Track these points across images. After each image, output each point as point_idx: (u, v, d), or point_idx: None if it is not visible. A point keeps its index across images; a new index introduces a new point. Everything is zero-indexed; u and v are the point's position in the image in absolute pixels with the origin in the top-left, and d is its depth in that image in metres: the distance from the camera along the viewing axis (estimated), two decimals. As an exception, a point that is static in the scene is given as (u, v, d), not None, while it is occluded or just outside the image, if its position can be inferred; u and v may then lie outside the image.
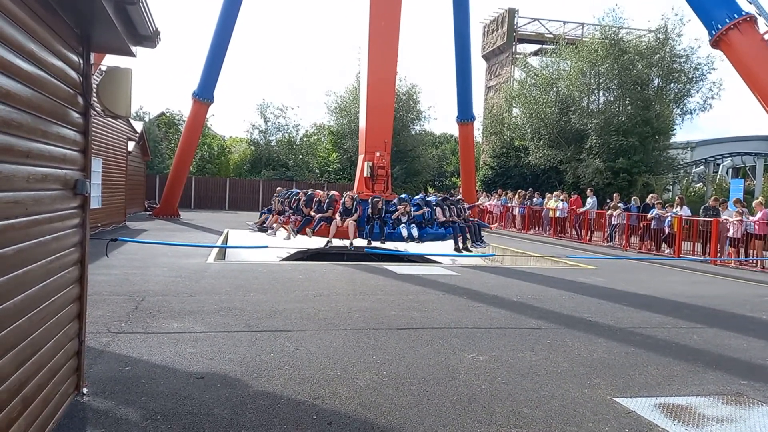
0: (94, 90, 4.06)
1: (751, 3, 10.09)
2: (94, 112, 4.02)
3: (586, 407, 4.26)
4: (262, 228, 16.70)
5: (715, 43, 10.64)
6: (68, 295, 3.77)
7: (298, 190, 17.31)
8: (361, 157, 16.15)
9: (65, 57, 3.53)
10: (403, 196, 17.14)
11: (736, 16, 10.03)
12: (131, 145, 21.71)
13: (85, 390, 4.07)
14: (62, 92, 3.48)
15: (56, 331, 3.56)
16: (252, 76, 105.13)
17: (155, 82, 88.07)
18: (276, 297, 7.84)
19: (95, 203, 14.72)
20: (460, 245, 14.33)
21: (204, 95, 22.23)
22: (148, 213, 25.49)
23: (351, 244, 13.90)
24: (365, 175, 15.29)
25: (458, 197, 16.84)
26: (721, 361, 5.57)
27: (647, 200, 17.59)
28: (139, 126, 25.29)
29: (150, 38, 4.22)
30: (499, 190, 27.77)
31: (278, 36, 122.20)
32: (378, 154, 15.17)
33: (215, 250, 12.57)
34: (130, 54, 4.25)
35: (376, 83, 15.35)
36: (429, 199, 16.49)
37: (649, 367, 5.30)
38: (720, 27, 10.18)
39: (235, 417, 3.81)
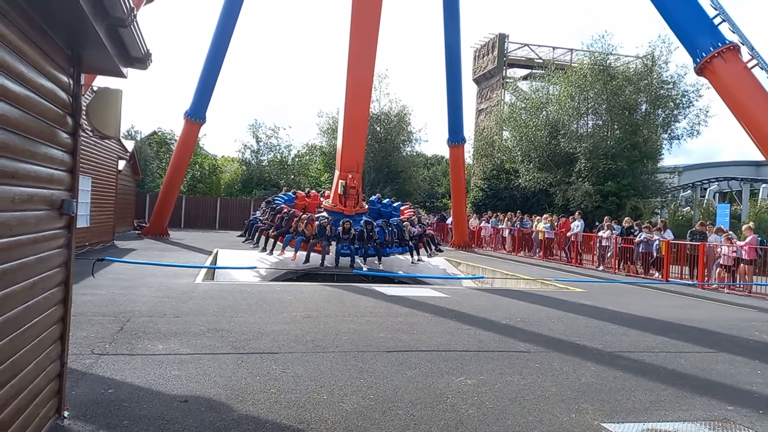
0: (84, 110, 4.07)
1: (734, 32, 10.34)
2: (84, 133, 4.02)
3: (574, 432, 4.23)
4: (250, 240, 17.38)
5: (699, 71, 10.86)
6: (51, 317, 3.72)
7: (280, 198, 18.20)
8: (336, 173, 17.84)
9: (55, 78, 3.55)
10: (372, 198, 19.54)
11: (720, 44, 10.27)
12: (122, 164, 21.65)
13: (66, 413, 4.00)
14: (51, 113, 3.49)
15: (38, 353, 3.50)
16: (245, 96, 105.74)
17: (147, 102, 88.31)
18: (264, 318, 7.77)
19: (84, 222, 14.62)
20: (415, 258, 16.87)
21: (196, 115, 22.30)
22: (137, 232, 25.30)
23: (322, 262, 15.41)
24: (339, 192, 16.85)
25: (421, 216, 18.91)
26: (708, 386, 5.58)
27: (623, 224, 17.87)
28: (130, 145, 25.28)
29: (141, 60, 4.25)
30: (489, 212, 27.91)
31: (272, 56, 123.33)
32: (350, 175, 16.73)
33: (203, 271, 12.48)
34: (121, 75, 4.27)
35: (352, 114, 16.99)
36: (395, 205, 19.40)
37: (637, 391, 5.30)
38: (704, 55, 10.41)
39: (219, 442, 3.74)
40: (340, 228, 15.51)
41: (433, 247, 17.61)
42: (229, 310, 8.22)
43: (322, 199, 19.03)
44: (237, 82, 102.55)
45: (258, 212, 19.12)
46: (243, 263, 15.66)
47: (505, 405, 4.75)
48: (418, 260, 16.87)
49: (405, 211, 18.60)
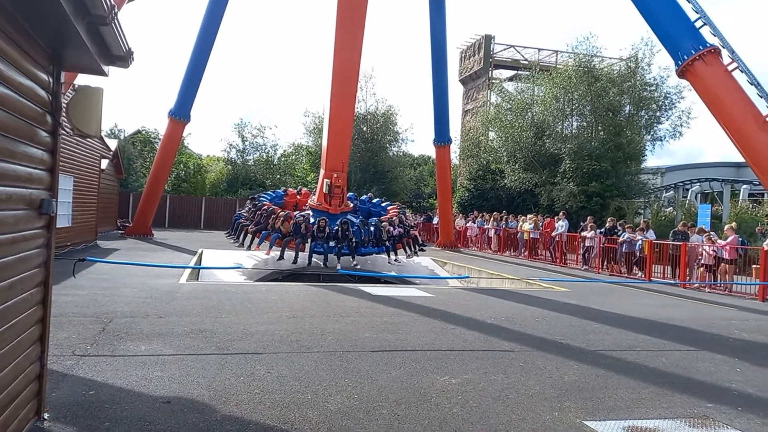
0: (64, 109, 4.02)
1: (715, 35, 10.49)
2: (63, 132, 3.97)
3: (556, 430, 4.27)
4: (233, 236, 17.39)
5: (681, 73, 11.00)
6: (30, 318, 3.67)
7: (265, 196, 18.19)
8: (322, 172, 17.87)
9: (34, 76, 3.50)
10: (363, 197, 19.74)
11: (701, 47, 10.42)
12: (105, 163, 21.40)
13: (46, 415, 3.94)
14: (30, 111, 3.44)
15: (17, 354, 3.46)
16: (230, 96, 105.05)
17: (131, 100, 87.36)
18: (248, 319, 7.73)
19: (65, 221, 14.42)
20: (392, 258, 16.73)
21: (180, 114, 22.10)
22: (120, 232, 25.02)
23: (295, 259, 15.48)
24: (324, 191, 16.84)
25: (406, 216, 18.94)
26: (689, 384, 5.66)
27: (606, 224, 18.04)
28: (113, 144, 24.99)
29: (123, 58, 4.20)
30: (476, 212, 28.04)
31: (258, 55, 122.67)
32: (335, 174, 16.77)
33: (188, 271, 12.38)
34: (103, 74, 4.23)
35: (336, 114, 17.03)
36: (383, 205, 19.41)
37: (619, 390, 5.36)
38: (686, 58, 10.56)
39: (201, 443, 3.72)
40: (315, 226, 15.57)
41: (415, 248, 17.59)
42: (213, 311, 8.17)
43: (298, 196, 19.13)
44: (222, 81, 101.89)
45: (243, 210, 19.12)
46: (228, 263, 15.58)
47: (489, 404, 4.78)
48: (396, 260, 16.86)
49: (390, 211, 18.65)
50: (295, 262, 15.52)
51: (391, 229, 16.71)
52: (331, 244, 15.34)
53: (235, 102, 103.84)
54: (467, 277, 15.68)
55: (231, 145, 38.60)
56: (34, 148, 3.53)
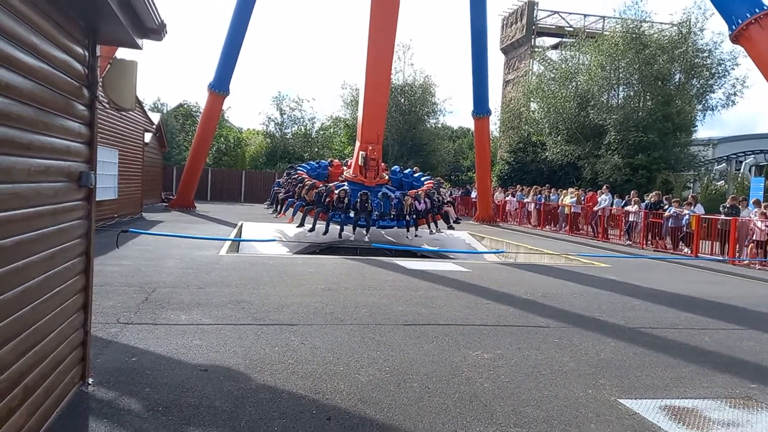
0: (100, 83, 4.09)
1: (774, -4, 9.81)
2: (100, 105, 4.04)
3: (589, 408, 4.21)
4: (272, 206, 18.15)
5: (735, 39, 10.34)
6: (73, 286, 3.81)
7: (303, 167, 18.31)
8: (357, 145, 17.76)
9: (69, 49, 3.55)
10: (394, 167, 19.57)
11: (757, 10, 9.73)
12: (148, 137, 21.94)
13: (90, 380, 4.13)
14: (66, 84, 3.51)
15: (60, 321, 3.60)
16: (270, 68, 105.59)
17: (173, 74, 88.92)
18: (284, 291, 7.87)
19: (111, 194, 14.92)
20: (411, 234, 16.46)
21: (220, 87, 22.33)
22: (164, 204, 25.77)
23: (312, 227, 15.57)
24: (360, 163, 16.73)
25: (440, 189, 18.41)
26: (732, 364, 5.46)
27: (650, 198, 17.31)
28: (156, 117, 25.54)
29: (156, 31, 4.24)
30: (517, 186, 27.53)
31: (296, 27, 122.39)
32: (371, 147, 16.55)
33: (227, 243, 12.67)
34: (136, 47, 4.27)
35: (372, 85, 16.78)
36: (416, 176, 19.19)
37: (657, 368, 5.22)
38: (740, 22, 9.89)
39: (236, 410, 3.83)
40: (336, 196, 15.56)
41: (447, 222, 17.28)
42: (251, 282, 8.34)
43: (344, 168, 18.96)
44: (262, 53, 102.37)
45: (282, 180, 19.37)
46: (267, 236, 15.86)
47: (521, 379, 4.74)
48: (415, 236, 16.65)
49: (426, 184, 18.39)
50: (325, 233, 15.57)
51: (417, 203, 16.41)
52: (351, 215, 15.33)
53: (274, 75, 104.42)
54: (502, 252, 15.49)
55: (270, 118, 38.96)
56: (71, 121, 3.61)
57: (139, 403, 3.87)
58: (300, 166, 19.30)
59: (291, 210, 16.45)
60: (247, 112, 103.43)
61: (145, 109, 24.33)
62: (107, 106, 4.11)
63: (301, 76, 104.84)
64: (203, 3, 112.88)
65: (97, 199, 14.63)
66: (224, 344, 5.24)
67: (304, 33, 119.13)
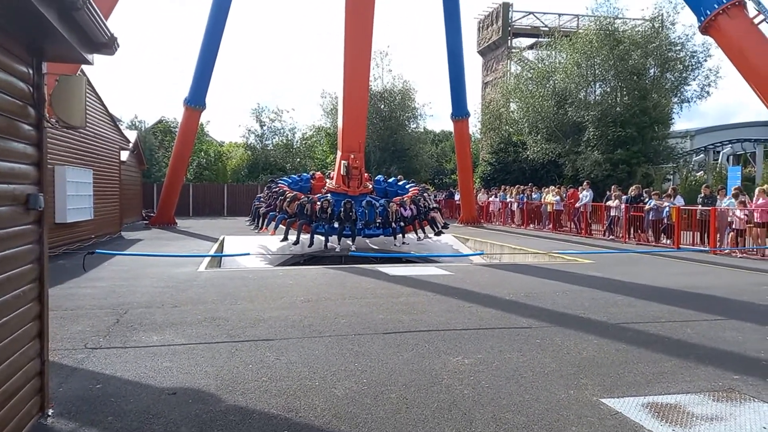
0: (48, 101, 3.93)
1: (739, -14, 9.90)
2: (48, 124, 3.88)
3: (571, 410, 4.11)
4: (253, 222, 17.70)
5: (704, 29, 10.43)
6: (26, 314, 3.64)
7: (284, 181, 18.12)
8: (339, 154, 17.52)
9: (11, 68, 3.40)
10: (378, 177, 18.60)
11: (724, 0, 9.83)
12: (125, 155, 21.63)
13: (50, 411, 3.94)
14: (9, 105, 3.35)
15: (12, 351, 3.42)
16: (249, 80, 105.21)
17: (151, 91, 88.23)
18: (263, 305, 7.70)
19: (87, 215, 14.62)
20: (398, 241, 16.33)
21: (195, 102, 22.12)
22: (145, 222, 25.42)
23: (297, 240, 15.34)
24: (342, 173, 16.53)
25: (426, 195, 18.12)
26: (715, 355, 5.41)
27: (630, 192, 17.40)
28: (132, 135, 25.23)
29: (107, 45, 4.08)
30: (501, 186, 27.58)
31: (272, 39, 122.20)
32: (352, 155, 16.42)
33: (207, 259, 12.45)
34: (86, 62, 4.11)
35: (351, 93, 16.70)
36: (400, 184, 18.87)
37: (640, 364, 5.14)
38: (709, 12, 9.98)
39: (203, 434, 3.67)
40: (318, 206, 15.37)
41: (435, 228, 17.14)
42: (229, 298, 8.16)
43: (327, 180, 18.79)
44: (240, 66, 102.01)
45: (262, 194, 19.17)
46: (249, 249, 15.63)
47: (502, 384, 4.63)
48: (403, 243, 16.53)
49: (411, 191, 18.29)
50: (310, 245, 15.43)
51: (402, 210, 16.29)
52: (335, 225, 15.17)
53: (253, 87, 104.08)
54: (482, 253, 15.43)
55: (249, 130, 38.70)
56: (15, 142, 3.45)
57: (101, 432, 3.70)
58: (281, 179, 19.12)
59: (273, 223, 16.20)
60: (228, 126, 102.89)
61: (122, 127, 24.02)
62: (55, 125, 3.95)
63: (280, 86, 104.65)
64: (180, 18, 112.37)
65: (72, 220, 14.21)
66: (196, 364, 5.07)
67: (281, 43, 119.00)
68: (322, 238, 15.65)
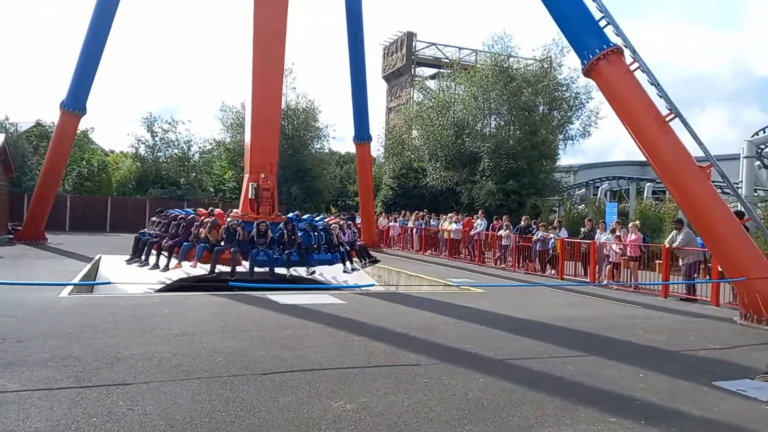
0: None
1: (618, 35, 10.67)
2: None
3: (453, 464, 3.85)
4: (138, 260, 15.09)
5: (587, 72, 11.11)
6: None
7: (178, 211, 16.18)
8: (246, 177, 15.54)
9: None
10: (290, 215, 16.58)
11: (605, 46, 10.54)
12: (-13, 161, 19.18)
13: None
14: None
15: None
16: (142, 87, 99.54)
17: (27, 92, 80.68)
18: (127, 339, 6.84)
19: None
20: (348, 267, 14.87)
21: (74, 106, 20.15)
22: (9, 237, 22.65)
23: (232, 272, 12.87)
24: (250, 196, 14.67)
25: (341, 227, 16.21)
26: (594, 395, 5.45)
27: (522, 223, 18.22)
28: (-1, 138, 22.59)
29: None
30: (403, 212, 27.85)
31: (171, 50, 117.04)
32: (263, 175, 14.66)
33: (74, 281, 11.13)
34: None
35: (261, 105, 15.11)
36: (317, 221, 16.16)
37: (523, 406, 5.04)
38: (591, 57, 10.64)
39: None
40: (254, 231, 13.31)
41: (367, 259, 15.91)
42: (89, 330, 7.19)
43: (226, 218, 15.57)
44: (133, 74, 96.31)
45: (148, 228, 16.98)
46: (135, 274, 14.05)
47: (383, 434, 4.29)
48: (353, 269, 15.06)
49: (330, 222, 17.08)
50: (212, 273, 13.18)
51: (341, 234, 14.97)
52: (276, 251, 13.23)
53: (147, 97, 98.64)
54: (374, 284, 15.15)
55: (139, 140, 36.17)
56: None
57: None
58: (168, 211, 16.54)
59: (189, 256, 13.60)
60: (117, 134, 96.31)
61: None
62: None
63: (177, 96, 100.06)
64: (60, 18, 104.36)
65: None
66: (25, 419, 4.24)
67: (178, 50, 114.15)
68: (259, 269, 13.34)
